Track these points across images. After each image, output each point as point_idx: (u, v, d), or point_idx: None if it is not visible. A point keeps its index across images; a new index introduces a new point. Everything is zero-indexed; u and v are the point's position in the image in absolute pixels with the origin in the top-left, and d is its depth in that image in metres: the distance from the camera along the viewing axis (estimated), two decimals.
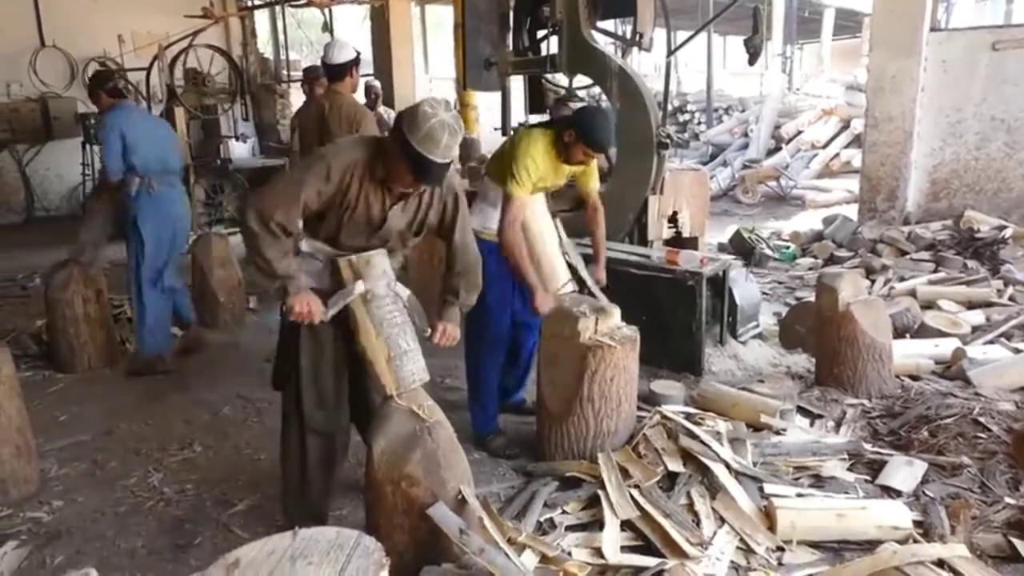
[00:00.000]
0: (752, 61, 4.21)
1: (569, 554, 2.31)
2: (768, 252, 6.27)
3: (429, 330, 2.49)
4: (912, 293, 4.77)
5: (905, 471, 2.76)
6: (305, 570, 1.55)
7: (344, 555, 1.59)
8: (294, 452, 2.56)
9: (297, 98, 11.60)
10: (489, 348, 3.26)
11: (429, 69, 14.31)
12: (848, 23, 18.41)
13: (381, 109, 7.32)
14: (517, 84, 5.31)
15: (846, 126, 11.38)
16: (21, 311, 5.44)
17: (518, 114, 5.22)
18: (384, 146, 2.29)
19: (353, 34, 11.72)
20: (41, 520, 2.76)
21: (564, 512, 2.58)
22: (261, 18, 11.66)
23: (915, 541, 2.36)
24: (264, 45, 11.89)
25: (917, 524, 2.45)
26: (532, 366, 3.44)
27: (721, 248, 6.51)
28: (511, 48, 4.95)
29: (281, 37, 11.37)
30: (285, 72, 11.38)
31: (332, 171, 2.26)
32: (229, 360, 4.46)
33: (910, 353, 3.83)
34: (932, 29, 6.48)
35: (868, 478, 2.77)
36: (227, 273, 5.07)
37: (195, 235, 5.63)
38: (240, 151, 9.09)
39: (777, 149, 11.63)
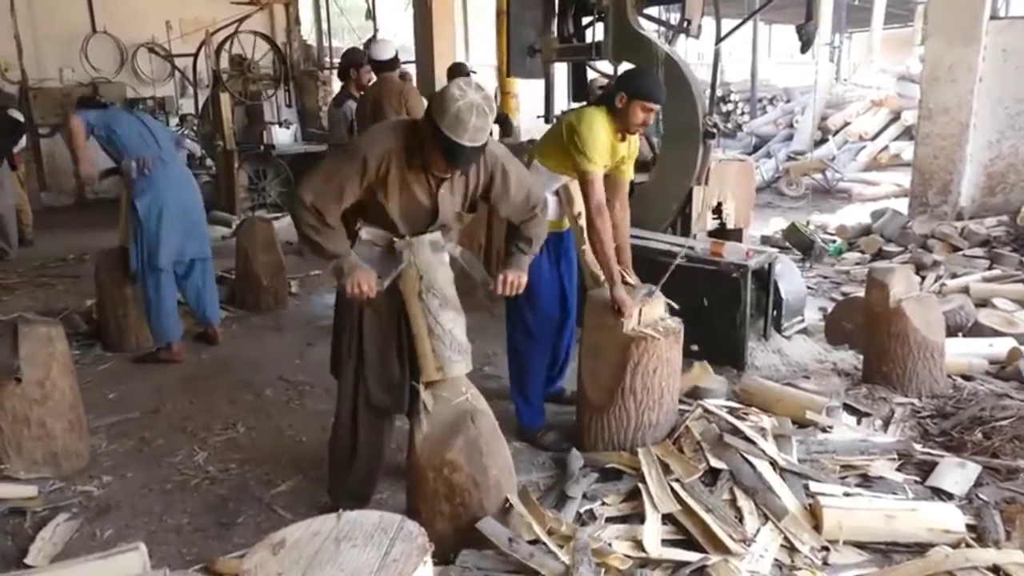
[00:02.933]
0: (805, 48, 4.09)
1: (610, 545, 2.28)
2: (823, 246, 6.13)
3: (491, 283, 2.47)
4: (965, 290, 4.62)
5: (957, 473, 2.67)
6: (349, 552, 1.56)
7: (388, 539, 1.60)
8: (345, 432, 2.58)
9: (340, 85, 11.72)
10: (536, 339, 3.19)
11: (470, 56, 14.29)
12: (900, 11, 17.87)
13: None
14: (561, 72, 5.26)
15: (896, 118, 11.06)
16: (72, 291, 5.60)
17: (561, 102, 5.17)
18: (418, 131, 2.27)
19: (395, 21, 11.74)
20: (91, 494, 2.84)
21: (604, 504, 2.56)
22: (305, 5, 11.75)
23: (968, 546, 2.29)
24: (307, 32, 11.99)
25: (970, 528, 2.37)
26: (572, 355, 3.42)
27: (764, 241, 6.39)
28: (555, 35, 4.89)
29: (324, 24, 11.45)
30: (328, 59, 11.46)
31: (368, 161, 2.25)
32: (271, 343, 4.52)
33: (963, 352, 3.71)
34: (992, 17, 6.25)
35: (918, 479, 2.69)
36: (270, 257, 5.13)
37: (238, 220, 5.72)
38: (283, 137, 9.19)
39: (823, 141, 11.36)
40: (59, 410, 2.91)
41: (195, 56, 8.85)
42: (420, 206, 2.35)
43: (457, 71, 6.22)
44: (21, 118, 7.37)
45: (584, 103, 5.25)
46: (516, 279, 2.49)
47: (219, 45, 8.56)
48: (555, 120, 4.32)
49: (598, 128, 2.91)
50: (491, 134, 2.27)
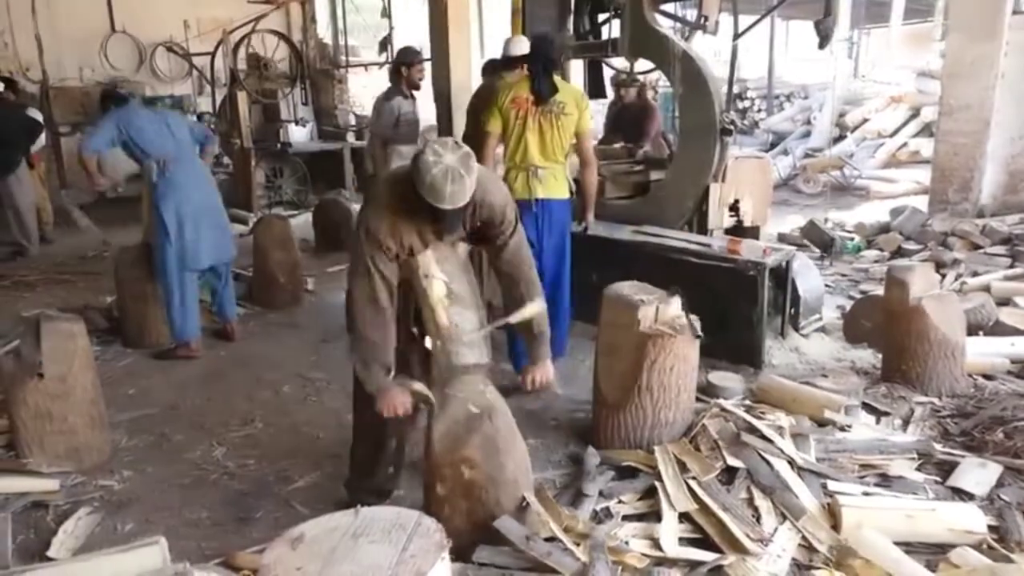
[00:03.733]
0: (823, 44, 4.06)
1: (626, 544, 2.28)
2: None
3: (521, 378, 2.55)
4: (986, 288, 4.56)
5: (978, 473, 2.64)
6: (367, 548, 1.57)
7: (405, 535, 1.61)
8: (368, 432, 2.59)
9: (355, 83, 11.76)
10: None
11: (485, 53, 14.29)
12: (919, 7, 17.64)
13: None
14: (576, 69, 5.25)
15: (915, 114, 10.95)
16: (92, 288, 5.65)
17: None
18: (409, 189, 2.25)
19: (410, 18, 11.76)
20: (112, 488, 2.87)
21: (620, 502, 2.55)
22: (321, 3, 11.80)
23: (990, 546, 2.26)
24: (323, 30, 12.04)
25: (992, 529, 2.34)
26: (567, 325, 3.85)
27: (781, 238, 6.34)
28: (571, 32, 4.88)
29: (340, 23, 11.49)
30: (344, 57, 11.51)
31: (385, 243, 2.27)
32: (288, 340, 4.55)
33: (984, 351, 3.67)
34: (1015, 12, 6.16)
35: (938, 479, 2.66)
36: (286, 255, 5.16)
37: (255, 217, 5.75)
38: (299, 135, 9.25)
39: (841, 138, 11.26)
40: (80, 405, 2.95)
41: (212, 55, 8.91)
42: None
43: (492, 69, 6.13)
44: (40, 117, 7.45)
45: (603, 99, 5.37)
46: (542, 376, 2.53)
47: (236, 44, 8.62)
48: None
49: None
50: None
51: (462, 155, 2.13)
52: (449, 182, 2.10)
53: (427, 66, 6.05)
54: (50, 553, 2.42)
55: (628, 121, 6.00)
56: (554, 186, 3.72)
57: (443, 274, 2.38)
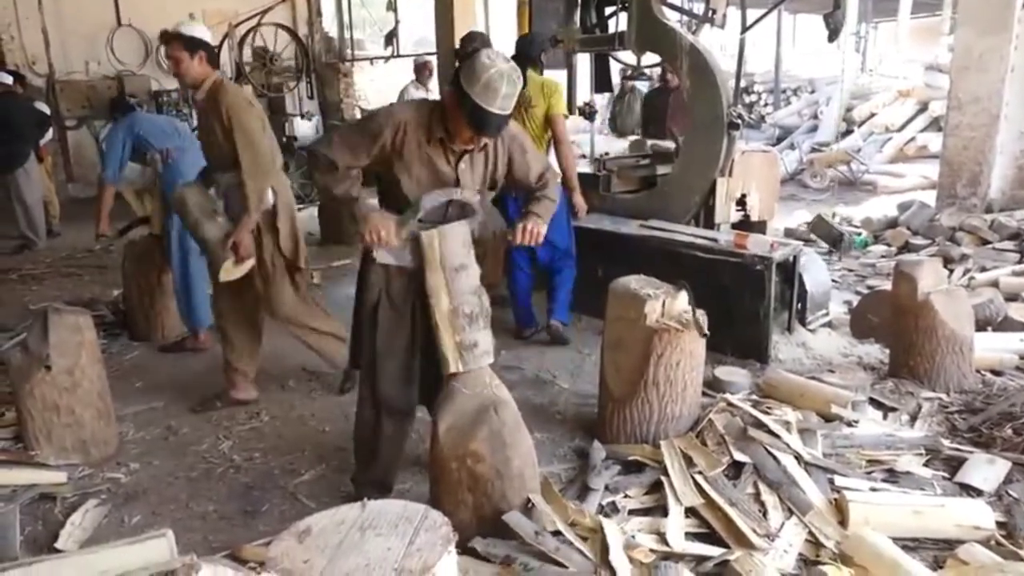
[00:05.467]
0: (832, 38, 4.04)
1: (633, 538, 2.28)
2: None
3: (509, 232, 2.50)
4: (995, 284, 4.53)
5: (987, 469, 2.63)
6: (374, 541, 1.57)
7: (412, 528, 1.61)
8: (367, 425, 2.59)
9: (361, 77, 11.75)
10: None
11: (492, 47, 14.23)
12: (927, 0, 17.54)
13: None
14: (583, 62, 5.23)
15: (923, 108, 10.87)
16: (99, 281, 5.67)
17: (584, 93, 5.14)
18: (442, 103, 2.29)
19: (416, 12, 11.74)
20: (119, 481, 2.88)
21: (627, 496, 2.55)
22: None
23: (998, 543, 2.25)
24: (329, 24, 12.02)
25: (1000, 525, 2.33)
26: (567, 293, 4.19)
27: (788, 233, 6.31)
28: (578, 25, 4.86)
29: (346, 16, 11.48)
30: (349, 51, 11.50)
31: (383, 126, 2.30)
32: None
33: (993, 347, 3.64)
34: None
35: (946, 475, 2.65)
36: None
37: None
38: (304, 129, 9.25)
39: (848, 132, 11.20)
40: (88, 398, 2.96)
41: (218, 48, 8.91)
42: (439, 182, 2.35)
43: (470, 40, 6.02)
44: (47, 111, 7.47)
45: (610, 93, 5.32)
46: (534, 228, 2.48)
47: (242, 37, 8.62)
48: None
49: None
50: None
51: (513, 65, 2.17)
52: (505, 83, 2.12)
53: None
54: (58, 545, 2.44)
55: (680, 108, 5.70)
56: None
57: (452, 263, 2.35)
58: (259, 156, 3.16)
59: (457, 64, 5.17)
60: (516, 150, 2.46)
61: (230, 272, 3.24)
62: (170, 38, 3.24)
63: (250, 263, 3.26)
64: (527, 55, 3.97)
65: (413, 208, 2.33)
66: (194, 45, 3.20)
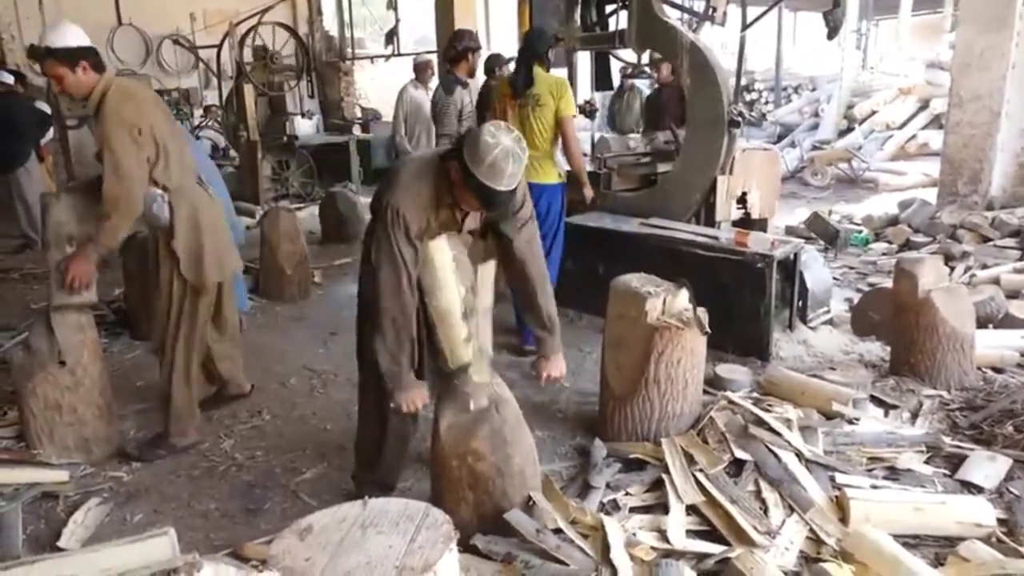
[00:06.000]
0: (832, 35, 4.03)
1: (634, 536, 2.28)
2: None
3: (535, 373, 2.54)
4: (996, 281, 4.54)
5: (987, 466, 2.63)
6: (375, 539, 1.58)
7: (413, 526, 1.61)
8: (371, 426, 2.59)
9: (361, 75, 11.74)
10: None
11: (492, 46, 14.27)
12: None
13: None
14: (584, 60, 5.23)
15: (925, 106, 10.86)
16: (100, 280, 5.64)
17: (584, 91, 5.14)
18: (447, 171, 2.22)
19: (417, 11, 11.73)
20: (121, 479, 2.89)
21: (628, 494, 2.55)
22: None
23: (999, 540, 2.26)
24: (329, 23, 12.02)
25: (1001, 522, 2.33)
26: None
27: (789, 231, 6.31)
28: (578, 23, 4.86)
29: (346, 15, 11.48)
30: (350, 50, 11.50)
31: (410, 226, 2.23)
32: (295, 332, 4.56)
33: (994, 344, 3.64)
34: None
35: (947, 472, 2.65)
36: (294, 247, 5.17)
37: (262, 210, 5.75)
38: (305, 128, 9.25)
39: (849, 130, 11.19)
40: (90, 397, 2.96)
41: (219, 48, 8.92)
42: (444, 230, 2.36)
43: (495, 61, 6.03)
44: (48, 110, 7.47)
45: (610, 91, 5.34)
46: (556, 371, 2.53)
47: (242, 36, 8.61)
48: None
49: None
50: None
51: (516, 137, 2.14)
52: (510, 163, 2.09)
53: None
54: (60, 543, 2.44)
55: (674, 102, 5.63)
56: (537, 172, 3.92)
57: (453, 264, 2.36)
58: (121, 182, 2.74)
59: (448, 62, 5.27)
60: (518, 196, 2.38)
61: (61, 299, 2.88)
62: (42, 55, 2.79)
63: (89, 297, 2.93)
64: (535, 51, 3.94)
65: (459, 372, 2.37)
66: (73, 56, 2.78)
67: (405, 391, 2.32)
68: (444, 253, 2.34)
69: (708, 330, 2.84)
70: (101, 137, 2.77)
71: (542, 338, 2.55)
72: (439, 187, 2.24)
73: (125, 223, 2.83)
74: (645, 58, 5.62)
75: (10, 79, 6.98)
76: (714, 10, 4.17)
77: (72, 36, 2.82)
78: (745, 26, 4.21)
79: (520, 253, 2.43)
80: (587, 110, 5.21)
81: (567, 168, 4.23)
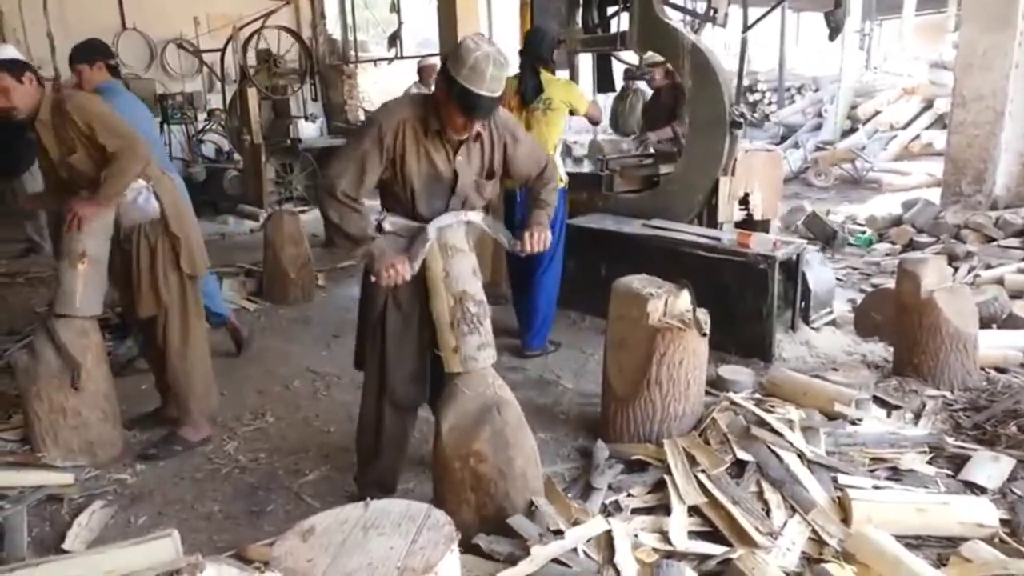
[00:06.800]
0: (833, 36, 4.04)
1: (636, 537, 2.28)
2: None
3: (518, 243, 2.50)
4: (1000, 281, 4.52)
5: (991, 467, 2.63)
6: (377, 540, 1.58)
7: (415, 527, 1.62)
8: (370, 425, 2.60)
9: (365, 78, 11.78)
10: None
11: None
12: None
13: None
14: (585, 62, 5.24)
15: (928, 106, 10.84)
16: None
17: (586, 92, 5.14)
18: (434, 94, 2.30)
19: (420, 14, 11.76)
20: (125, 482, 2.90)
21: (630, 495, 2.55)
22: None
23: (1001, 540, 2.25)
24: (332, 26, 12.05)
25: (1004, 523, 2.33)
26: (552, 316, 4.05)
27: (786, 225, 6.31)
28: (580, 25, 4.87)
29: (349, 18, 11.51)
30: (353, 53, 11.53)
31: (384, 130, 2.28)
32: (299, 335, 4.57)
33: (997, 344, 3.64)
34: None
35: (950, 473, 2.65)
36: (297, 250, 5.19)
37: (266, 213, 5.76)
38: (309, 131, 9.26)
39: (853, 130, 11.17)
40: (94, 400, 2.98)
41: (222, 51, 8.95)
42: (439, 177, 2.36)
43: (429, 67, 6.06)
44: None
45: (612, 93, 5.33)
46: (540, 235, 2.50)
47: (246, 40, 8.64)
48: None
49: None
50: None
51: (499, 48, 2.18)
52: (491, 65, 2.13)
53: None
54: (65, 545, 2.45)
55: (669, 105, 5.56)
56: None
57: (455, 265, 2.37)
58: (138, 143, 2.85)
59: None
60: (508, 138, 2.45)
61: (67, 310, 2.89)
62: None
63: (94, 310, 2.96)
64: (537, 53, 3.90)
65: (421, 238, 2.34)
66: (18, 67, 2.77)
67: (380, 260, 2.27)
68: (436, 262, 2.35)
69: (706, 331, 2.84)
70: (85, 125, 2.79)
71: (532, 207, 2.59)
72: (424, 110, 2.29)
73: (133, 166, 2.85)
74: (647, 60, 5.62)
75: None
76: (715, 11, 4.18)
77: (10, 51, 2.87)
78: (746, 27, 4.21)
79: (530, 175, 2.56)
80: None
81: (566, 172, 4.23)
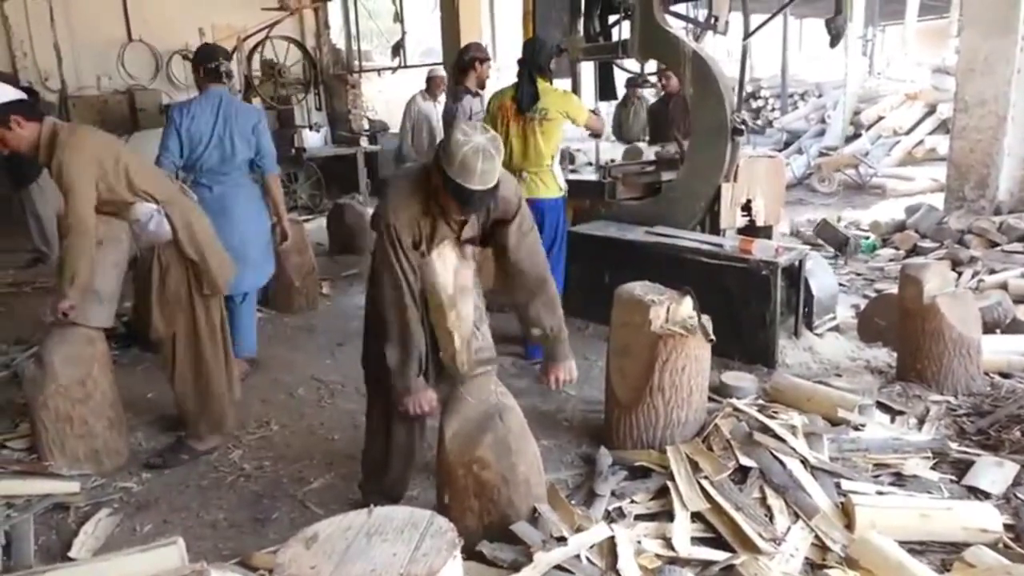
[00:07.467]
0: (834, 43, 4.04)
1: (639, 543, 2.28)
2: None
3: (546, 379, 2.54)
4: (1004, 286, 4.52)
5: (995, 472, 2.62)
6: (380, 546, 1.59)
7: (418, 534, 1.62)
8: (378, 433, 2.61)
9: (369, 88, 11.83)
10: None
11: (497, 57, 14.34)
12: (935, 3, 17.49)
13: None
14: (588, 71, 5.26)
15: (931, 111, 10.84)
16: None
17: (588, 101, 5.16)
18: (431, 177, 2.26)
19: (423, 23, 11.82)
20: (131, 490, 2.91)
21: (633, 502, 2.56)
22: (334, 9, 11.89)
23: (1006, 546, 2.25)
24: (336, 36, 12.12)
25: (1008, 528, 2.33)
26: None
27: (795, 233, 6.31)
28: (582, 34, 4.90)
29: (353, 28, 11.58)
30: (357, 62, 11.59)
31: (403, 239, 2.27)
32: (303, 343, 4.59)
33: (1001, 349, 3.63)
34: None
35: (953, 478, 2.65)
36: (302, 259, 5.20)
37: (271, 222, 5.74)
38: (313, 140, 9.32)
39: (856, 136, 11.19)
40: (100, 409, 3.00)
41: (228, 61, 9.00)
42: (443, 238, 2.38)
43: (467, 51, 5.84)
44: None
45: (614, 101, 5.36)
46: (566, 373, 2.53)
47: (250, 51, 8.70)
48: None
49: None
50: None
51: (490, 136, 2.15)
52: (480, 160, 2.10)
53: None
54: (71, 553, 2.47)
55: (680, 113, 5.57)
56: (538, 188, 3.95)
57: (451, 276, 2.38)
58: (74, 213, 2.70)
59: (456, 73, 5.27)
60: (513, 207, 2.41)
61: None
62: None
63: (104, 321, 3.01)
64: (535, 63, 3.93)
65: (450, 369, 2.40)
66: (3, 112, 2.68)
67: (412, 394, 2.36)
68: (434, 272, 2.36)
69: (712, 337, 2.85)
70: (55, 182, 2.72)
71: (546, 347, 2.56)
72: (427, 196, 2.28)
73: (78, 252, 2.74)
74: (650, 67, 5.64)
75: (22, 96, 7.06)
76: (716, 19, 4.20)
77: (5, 94, 2.74)
78: (747, 34, 4.23)
79: (522, 255, 2.43)
80: None
81: (566, 180, 4.25)
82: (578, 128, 4.33)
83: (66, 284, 2.77)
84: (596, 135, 4.28)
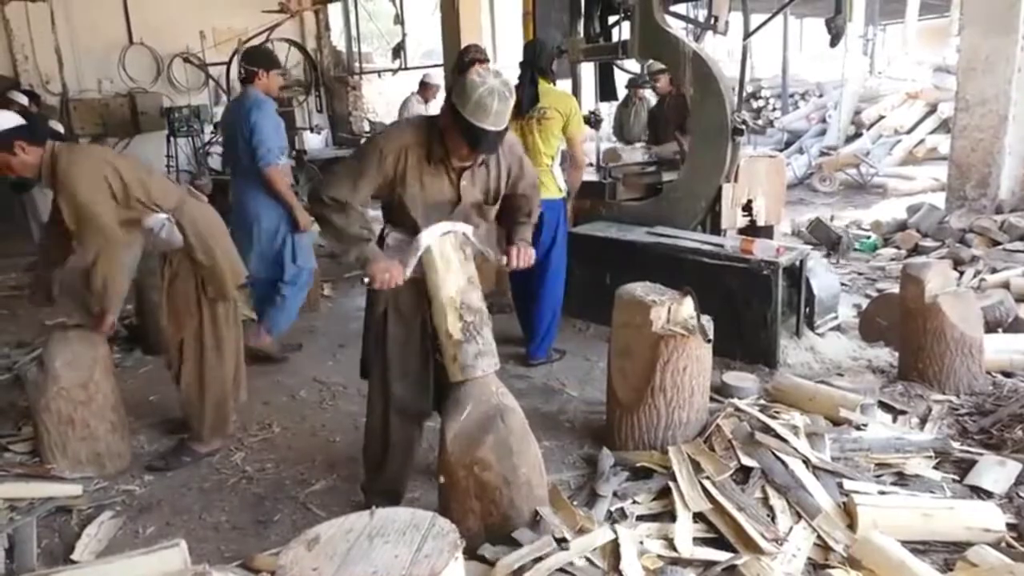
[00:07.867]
0: (834, 43, 4.04)
1: (641, 544, 2.28)
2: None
3: (504, 258, 2.52)
4: (1005, 285, 4.51)
5: (997, 471, 2.62)
6: (382, 548, 1.59)
7: (420, 535, 1.62)
8: (376, 434, 2.62)
9: (369, 89, 11.85)
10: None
11: (497, 59, 14.35)
12: (935, 1, 17.48)
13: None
14: (588, 71, 5.26)
15: (932, 110, 10.83)
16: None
17: (588, 101, 5.17)
18: (435, 125, 2.32)
19: (424, 25, 11.83)
20: (134, 493, 2.92)
21: (635, 502, 2.55)
22: (334, 12, 11.91)
23: (1008, 545, 2.25)
24: (337, 38, 12.14)
25: (1010, 527, 2.32)
26: (555, 325, 4.06)
27: (794, 233, 6.31)
28: (582, 34, 4.90)
29: (353, 30, 11.60)
30: (358, 64, 11.60)
31: (385, 154, 2.31)
32: (305, 345, 4.59)
33: (1003, 348, 3.62)
34: None
35: (956, 478, 2.64)
36: None
37: None
38: (314, 142, 9.34)
39: (857, 135, 11.18)
40: (102, 412, 3.00)
41: (228, 64, 9.02)
42: (442, 200, 2.39)
43: (467, 53, 5.87)
44: (62, 129, 7.58)
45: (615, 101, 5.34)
46: (524, 251, 2.54)
47: None
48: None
49: None
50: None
51: (504, 79, 2.20)
52: (496, 100, 2.14)
53: None
54: (74, 556, 2.47)
55: (675, 113, 5.52)
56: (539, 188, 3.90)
57: (452, 277, 2.39)
58: (101, 231, 2.75)
59: (457, 74, 5.26)
60: (515, 165, 2.49)
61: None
62: None
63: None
64: (535, 64, 3.93)
65: (413, 246, 2.37)
66: (6, 139, 2.73)
67: (375, 262, 2.32)
68: (434, 272, 2.37)
69: (710, 338, 2.84)
70: (66, 207, 2.76)
71: (517, 226, 2.61)
72: (429, 137, 2.32)
73: (116, 271, 2.83)
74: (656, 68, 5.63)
75: (24, 99, 7.09)
76: (716, 19, 4.20)
77: (8, 120, 2.80)
78: (747, 35, 4.23)
79: (524, 191, 2.58)
80: (592, 120, 5.23)
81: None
82: (586, 130, 4.31)
83: (105, 300, 2.85)
84: (572, 154, 4.09)
